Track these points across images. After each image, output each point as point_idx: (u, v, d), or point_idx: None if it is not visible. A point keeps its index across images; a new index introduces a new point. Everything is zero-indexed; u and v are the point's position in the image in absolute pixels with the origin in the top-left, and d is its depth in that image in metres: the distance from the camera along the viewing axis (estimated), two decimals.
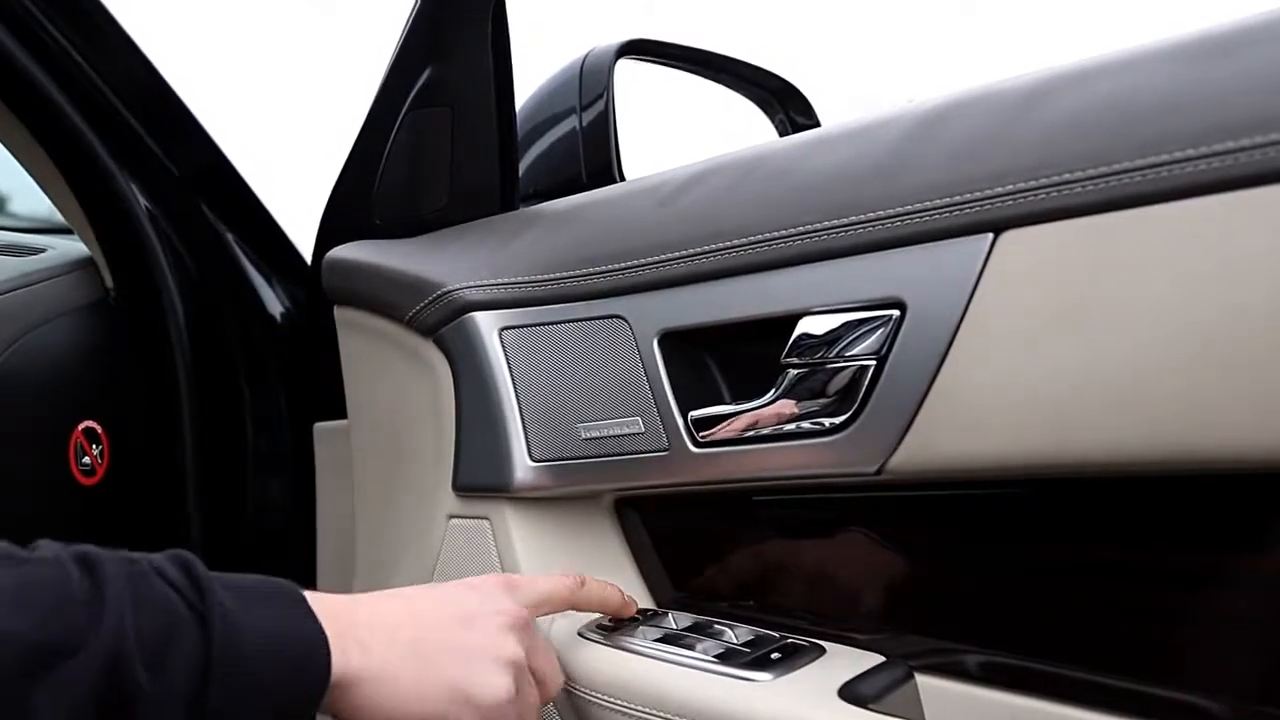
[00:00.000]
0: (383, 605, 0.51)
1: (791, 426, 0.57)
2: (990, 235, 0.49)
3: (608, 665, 0.57)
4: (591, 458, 0.65)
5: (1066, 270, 0.46)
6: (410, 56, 0.82)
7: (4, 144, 0.97)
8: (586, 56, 0.95)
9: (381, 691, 0.47)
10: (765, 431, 0.58)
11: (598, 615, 0.63)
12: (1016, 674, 0.54)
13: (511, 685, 0.51)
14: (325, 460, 0.94)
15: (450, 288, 0.71)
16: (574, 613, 0.63)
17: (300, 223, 1.00)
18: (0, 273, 1.00)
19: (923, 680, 0.56)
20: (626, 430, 0.63)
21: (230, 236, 0.98)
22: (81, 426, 1.00)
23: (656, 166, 0.70)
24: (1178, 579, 0.51)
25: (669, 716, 0.54)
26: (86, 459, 1.00)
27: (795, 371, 0.56)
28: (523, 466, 0.67)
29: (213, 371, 0.98)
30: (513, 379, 0.68)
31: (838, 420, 0.54)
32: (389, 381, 0.80)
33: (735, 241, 0.59)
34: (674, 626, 0.60)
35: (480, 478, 0.69)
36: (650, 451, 0.63)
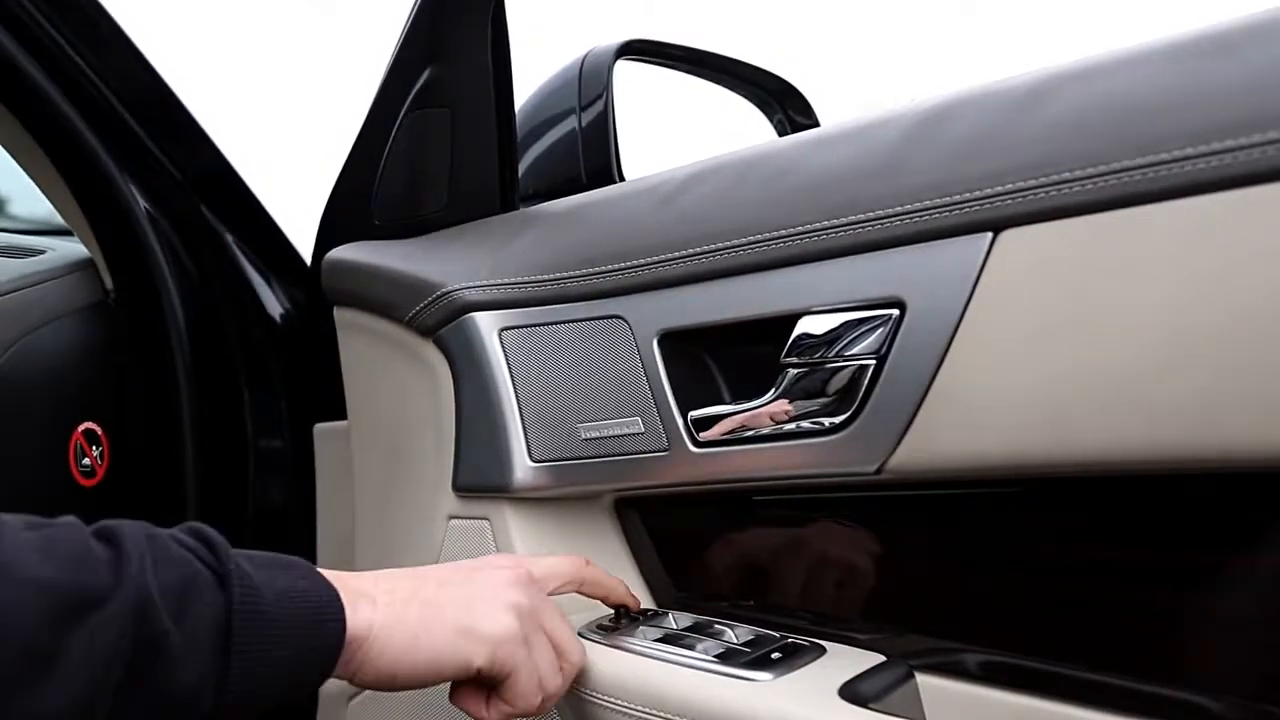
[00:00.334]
0: (386, 574, 0.53)
1: (791, 426, 0.57)
2: (989, 234, 0.49)
3: (608, 665, 0.57)
4: (591, 458, 0.65)
5: (1066, 269, 0.46)
6: (410, 57, 0.82)
7: (4, 146, 0.97)
8: (586, 57, 0.95)
9: (393, 640, 0.48)
10: (765, 431, 0.58)
11: (598, 615, 0.63)
12: (1017, 673, 0.54)
13: (517, 625, 0.52)
14: (325, 461, 0.94)
15: (450, 288, 0.71)
16: (575, 613, 0.63)
17: (300, 223, 1.00)
18: (0, 274, 1.00)
19: (923, 680, 0.56)
20: (626, 430, 0.63)
21: (230, 238, 0.98)
22: (81, 428, 1.00)
23: (656, 166, 0.70)
24: (1177, 578, 0.51)
25: (669, 716, 0.54)
26: (87, 460, 1.00)
27: (795, 371, 0.56)
28: (523, 467, 0.67)
29: (213, 373, 0.98)
30: (513, 379, 0.68)
31: (837, 420, 0.54)
32: (389, 382, 0.80)
33: (735, 241, 0.59)
34: (674, 626, 0.60)
35: (480, 478, 0.69)
36: (650, 451, 0.63)
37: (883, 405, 0.52)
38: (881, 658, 0.57)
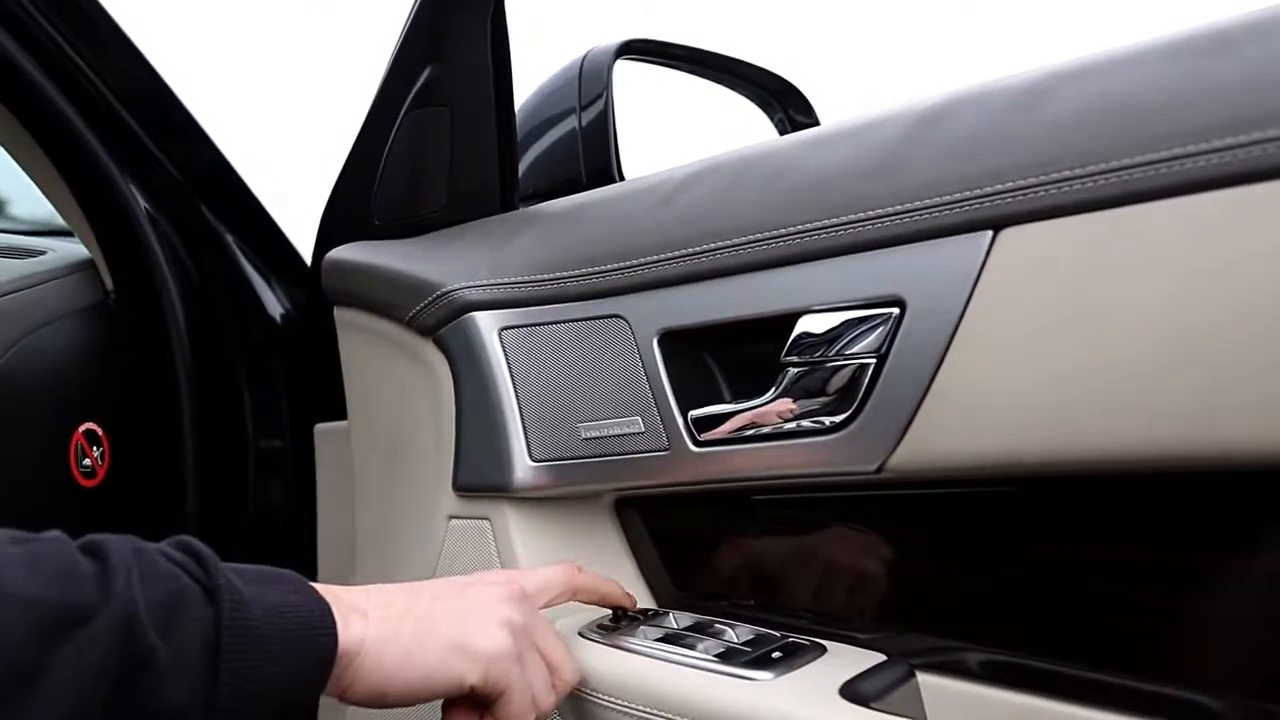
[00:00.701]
0: (378, 589, 0.52)
1: (791, 425, 0.57)
2: (989, 233, 0.49)
3: (608, 665, 0.57)
4: (592, 457, 0.65)
5: (1066, 267, 0.46)
6: (410, 56, 0.82)
7: (4, 146, 0.97)
8: (586, 56, 0.95)
9: (385, 655, 0.48)
10: (765, 430, 0.58)
11: (598, 615, 0.63)
12: (1018, 672, 0.54)
13: (510, 642, 0.51)
14: (325, 461, 0.94)
15: (450, 288, 0.71)
16: (574, 613, 0.63)
17: (300, 224, 1.00)
18: (0, 275, 1.00)
19: (924, 679, 0.56)
20: (626, 430, 0.63)
21: (230, 238, 0.99)
22: (82, 428, 1.00)
23: (656, 166, 0.70)
24: (1178, 578, 0.51)
25: (670, 716, 0.54)
26: (87, 461, 1.00)
27: (795, 370, 0.56)
28: (523, 466, 0.67)
29: (213, 373, 0.98)
30: (513, 379, 0.68)
31: (838, 419, 0.54)
32: (389, 382, 0.80)
33: (734, 240, 0.59)
34: (675, 626, 0.60)
35: (480, 477, 0.69)
36: (650, 451, 0.63)
37: (883, 404, 0.52)
38: (882, 657, 0.56)
